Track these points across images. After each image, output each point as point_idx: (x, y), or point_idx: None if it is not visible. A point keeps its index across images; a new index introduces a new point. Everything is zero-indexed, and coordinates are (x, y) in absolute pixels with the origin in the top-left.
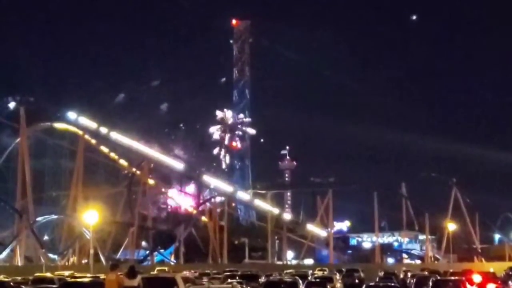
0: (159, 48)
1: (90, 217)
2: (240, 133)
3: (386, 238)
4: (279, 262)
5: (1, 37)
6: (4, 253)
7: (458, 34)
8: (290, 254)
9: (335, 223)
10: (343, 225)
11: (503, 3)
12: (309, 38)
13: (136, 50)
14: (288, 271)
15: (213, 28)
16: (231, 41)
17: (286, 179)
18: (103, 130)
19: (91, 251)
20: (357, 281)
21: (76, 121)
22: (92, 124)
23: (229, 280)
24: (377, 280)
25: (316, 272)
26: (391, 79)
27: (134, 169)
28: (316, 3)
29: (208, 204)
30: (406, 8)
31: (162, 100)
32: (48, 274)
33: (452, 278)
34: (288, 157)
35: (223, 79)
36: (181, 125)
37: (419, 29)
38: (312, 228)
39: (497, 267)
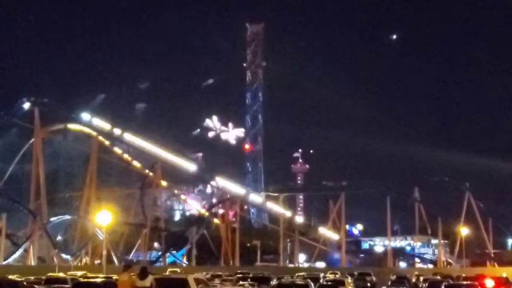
0: (168, 50)
1: (103, 218)
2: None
3: (399, 242)
4: (291, 265)
5: (16, 40)
6: (18, 253)
7: (467, 40)
8: (302, 257)
9: (347, 226)
10: (355, 229)
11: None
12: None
13: (143, 53)
14: (300, 274)
15: (227, 31)
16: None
17: (299, 182)
18: (117, 131)
19: (104, 252)
20: (369, 284)
21: (90, 122)
22: (105, 126)
23: (241, 282)
24: (389, 284)
25: (328, 275)
26: (403, 86)
27: (147, 171)
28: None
29: (220, 206)
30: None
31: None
32: (61, 274)
33: (465, 282)
34: (300, 160)
35: (210, 81)
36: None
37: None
38: (324, 231)
39: (510, 272)
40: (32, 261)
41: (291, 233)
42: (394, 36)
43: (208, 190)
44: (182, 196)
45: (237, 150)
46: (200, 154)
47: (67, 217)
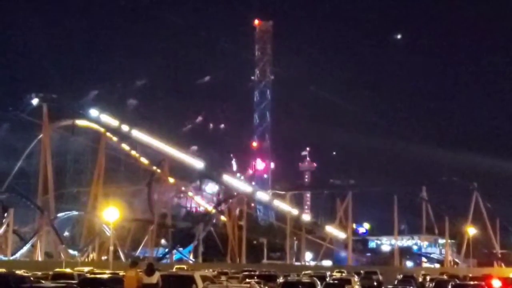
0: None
1: (110, 214)
2: None
3: (406, 242)
4: (297, 263)
5: (26, 36)
6: (25, 248)
7: (476, 38)
8: (308, 255)
9: (354, 225)
10: (362, 228)
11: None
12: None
13: (147, 50)
14: (306, 272)
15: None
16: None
17: (306, 180)
18: (125, 127)
19: (111, 248)
20: (375, 283)
21: (98, 118)
22: (113, 122)
23: (247, 280)
24: (395, 283)
25: (334, 273)
26: (411, 86)
27: (154, 167)
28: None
29: (227, 203)
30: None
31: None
32: (68, 270)
33: (472, 282)
34: (308, 159)
35: (207, 78)
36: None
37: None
38: (331, 229)
39: None
40: (39, 257)
41: (298, 231)
42: (399, 36)
43: (215, 187)
44: (189, 193)
45: (245, 147)
46: (195, 147)
47: (75, 212)
